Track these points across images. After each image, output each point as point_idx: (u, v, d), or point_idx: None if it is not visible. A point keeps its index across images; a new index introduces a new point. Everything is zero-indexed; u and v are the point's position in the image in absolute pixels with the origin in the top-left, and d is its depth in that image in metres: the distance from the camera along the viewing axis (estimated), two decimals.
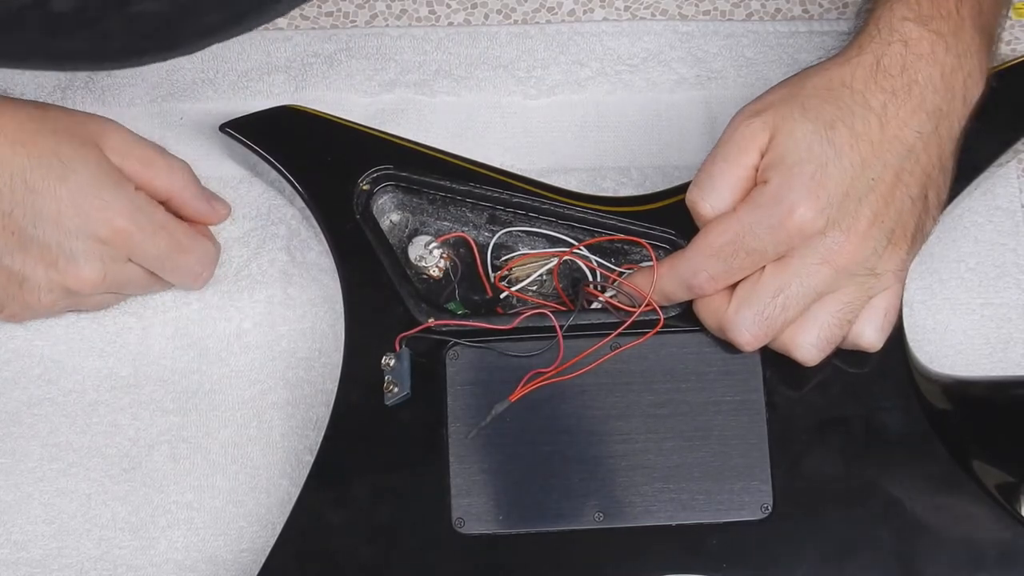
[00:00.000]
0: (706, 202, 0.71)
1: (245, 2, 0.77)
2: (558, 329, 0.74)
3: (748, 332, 0.71)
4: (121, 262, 0.76)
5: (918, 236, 0.71)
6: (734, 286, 0.71)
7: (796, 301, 0.70)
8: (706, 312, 0.72)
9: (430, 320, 0.75)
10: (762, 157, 0.70)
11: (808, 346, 0.71)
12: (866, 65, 0.70)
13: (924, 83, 0.70)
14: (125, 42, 0.76)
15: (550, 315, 0.74)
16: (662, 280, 0.73)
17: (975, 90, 0.72)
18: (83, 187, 0.74)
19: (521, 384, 0.73)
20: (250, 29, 0.82)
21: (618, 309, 0.74)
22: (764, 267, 0.70)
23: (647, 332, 0.74)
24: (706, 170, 0.71)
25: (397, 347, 0.74)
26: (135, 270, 0.77)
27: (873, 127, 0.69)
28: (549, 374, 0.73)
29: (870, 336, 0.72)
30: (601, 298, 0.75)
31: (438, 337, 0.74)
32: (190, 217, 0.79)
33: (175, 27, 0.75)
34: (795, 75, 0.72)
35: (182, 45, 0.79)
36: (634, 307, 0.74)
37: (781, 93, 0.71)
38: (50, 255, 0.74)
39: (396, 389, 0.73)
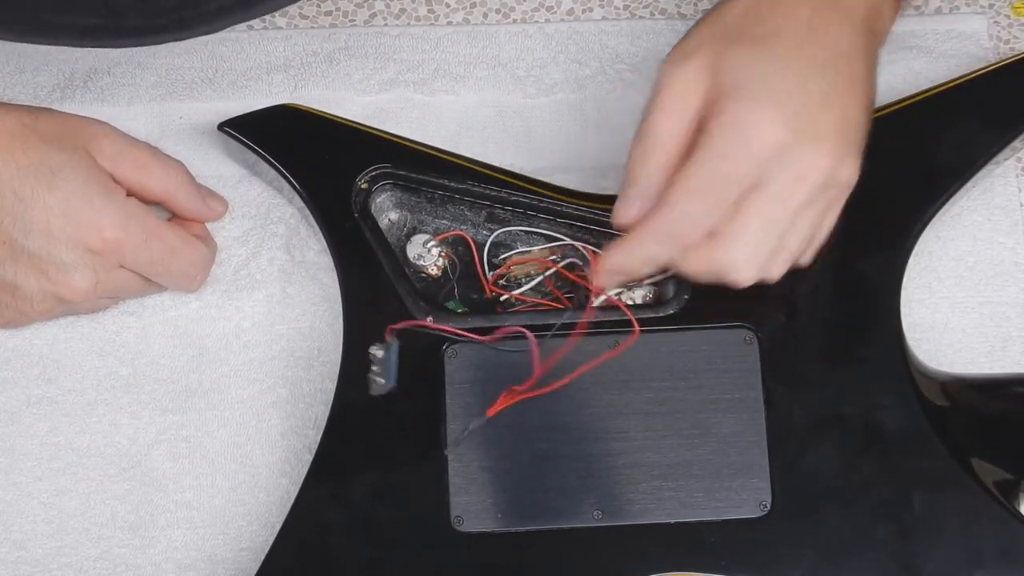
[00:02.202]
0: (653, 157, 0.68)
1: None
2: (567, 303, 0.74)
3: (746, 270, 0.69)
4: (113, 270, 0.75)
5: (862, 146, 0.70)
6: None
7: (781, 226, 0.68)
8: (695, 262, 0.69)
9: (428, 319, 0.75)
10: (705, 99, 0.68)
11: (778, 269, 0.70)
12: None
13: None
14: (139, 22, 0.75)
15: (552, 299, 0.74)
16: (644, 246, 0.69)
17: (889, 17, 0.72)
18: (73, 196, 0.73)
19: (500, 399, 0.73)
20: (268, 12, 0.81)
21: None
22: (740, 201, 0.68)
23: (646, 329, 0.74)
24: (649, 129, 0.69)
25: (387, 337, 0.74)
26: (128, 276, 0.76)
27: (805, 36, 0.68)
28: (524, 390, 0.73)
29: (809, 254, 0.72)
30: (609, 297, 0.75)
31: (435, 332, 0.74)
32: (186, 216, 0.79)
33: (188, 6, 0.75)
34: (712, 10, 0.71)
35: (196, 26, 0.79)
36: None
37: (704, 31, 0.70)
38: (41, 265, 0.74)
39: (381, 380, 0.73)
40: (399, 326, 0.74)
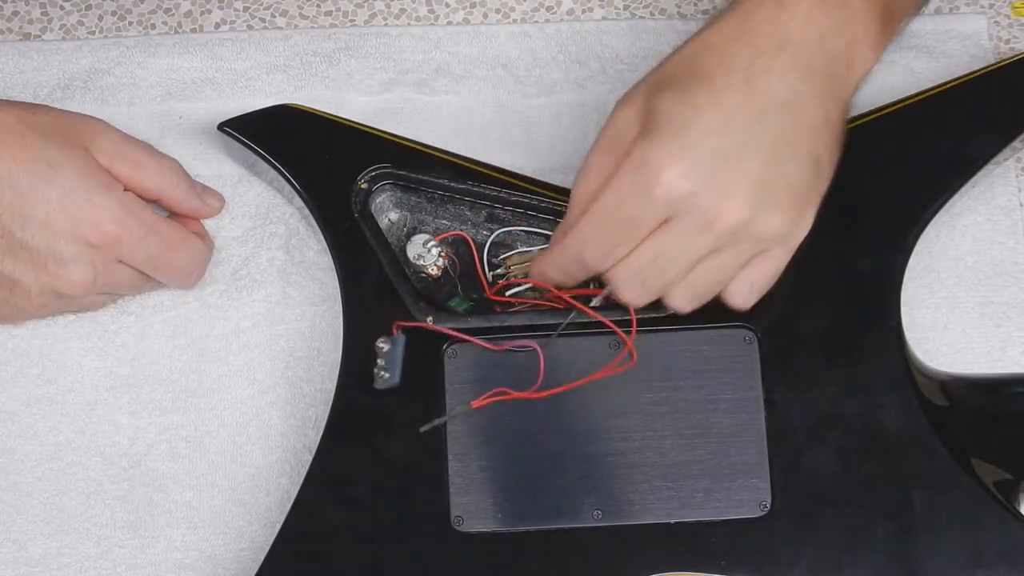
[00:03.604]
0: (582, 188, 0.70)
1: None
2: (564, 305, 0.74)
3: (629, 293, 0.71)
4: (111, 264, 0.76)
5: (811, 199, 0.70)
6: None
7: (674, 266, 0.70)
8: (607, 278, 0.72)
9: (428, 319, 0.75)
10: (635, 139, 0.69)
11: (678, 299, 0.72)
12: (732, 24, 0.69)
13: (798, 42, 0.68)
14: None
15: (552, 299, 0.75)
16: (557, 260, 0.72)
17: (862, 58, 0.70)
18: (71, 190, 0.74)
19: (488, 394, 0.73)
20: None
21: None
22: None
23: (648, 327, 0.74)
24: (587, 162, 0.71)
25: (394, 332, 0.74)
26: (126, 271, 0.77)
27: (736, 83, 0.67)
28: (512, 394, 0.73)
29: (737, 299, 0.72)
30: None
31: (435, 329, 0.74)
32: (182, 214, 0.79)
33: None
34: (670, 52, 0.71)
35: None
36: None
37: (652, 73, 0.70)
38: (39, 259, 0.74)
39: (386, 375, 0.73)
40: (408, 324, 0.74)
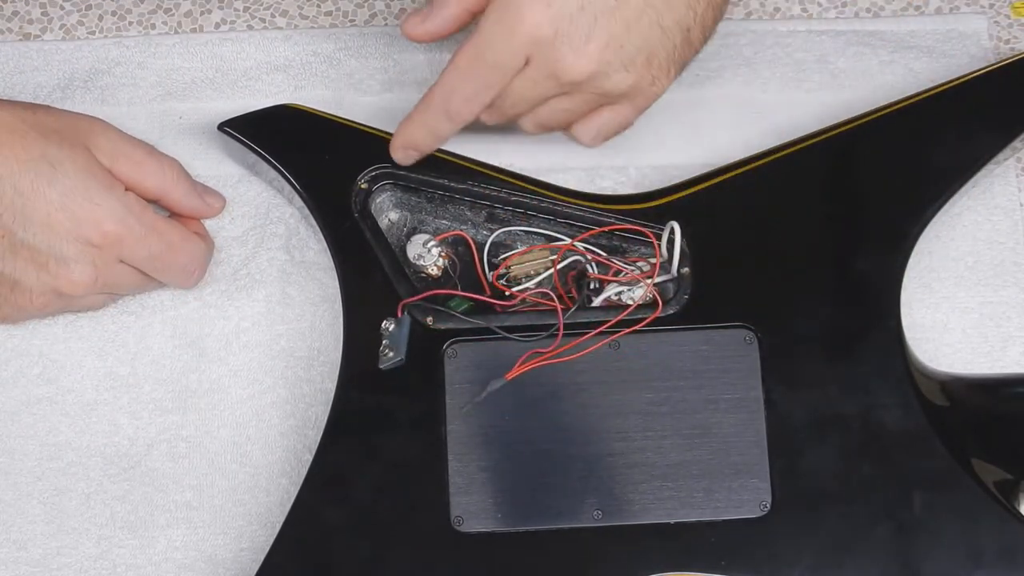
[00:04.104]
0: (426, 25, 0.74)
1: None
2: (559, 313, 0.74)
3: (486, 117, 0.75)
4: (112, 264, 0.76)
5: (669, 67, 0.73)
6: None
7: (524, 101, 0.74)
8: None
9: (428, 319, 0.75)
10: None
11: (526, 124, 0.76)
12: None
13: None
14: None
15: (553, 298, 0.75)
16: (425, 117, 0.75)
17: None
18: (72, 190, 0.74)
19: (518, 364, 0.73)
20: None
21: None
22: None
23: (646, 320, 0.74)
24: (436, 6, 0.74)
25: (399, 313, 0.74)
26: (127, 271, 0.77)
27: None
28: (548, 354, 0.73)
29: (583, 139, 0.77)
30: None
31: (437, 307, 0.75)
32: (183, 213, 0.79)
33: None
34: None
35: None
36: None
37: None
38: (40, 258, 0.74)
39: (391, 354, 0.73)
40: (413, 300, 0.75)
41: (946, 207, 0.77)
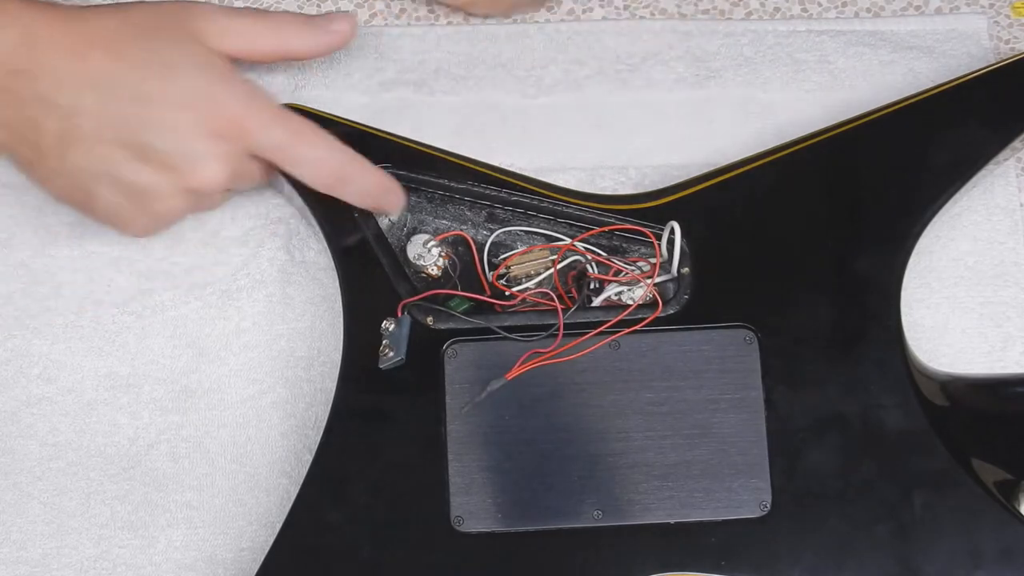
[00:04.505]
0: None
1: None
2: (559, 313, 0.74)
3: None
4: (241, 157, 0.74)
5: None
6: None
7: None
8: None
9: (428, 319, 0.75)
10: None
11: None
12: None
13: None
14: None
15: (553, 298, 0.75)
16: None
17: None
18: (192, 86, 0.72)
19: (518, 363, 0.73)
20: None
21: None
22: None
23: (646, 320, 0.74)
24: None
25: (399, 312, 0.74)
26: (255, 165, 0.75)
27: None
28: (548, 354, 0.73)
29: None
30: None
31: (437, 308, 0.75)
32: (317, 55, 0.79)
33: None
34: None
35: None
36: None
37: None
38: (171, 160, 0.73)
39: (391, 353, 0.73)
40: (413, 300, 0.75)
41: (946, 207, 0.77)
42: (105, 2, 0.76)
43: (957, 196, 0.77)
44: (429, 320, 0.75)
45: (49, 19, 0.72)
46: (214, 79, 0.73)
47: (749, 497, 0.73)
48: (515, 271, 0.77)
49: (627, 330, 0.74)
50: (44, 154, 0.73)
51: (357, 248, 0.76)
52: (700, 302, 0.75)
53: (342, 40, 0.79)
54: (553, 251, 0.77)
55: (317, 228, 0.78)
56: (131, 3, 0.75)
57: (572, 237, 0.78)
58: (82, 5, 0.74)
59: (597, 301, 0.76)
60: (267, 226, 0.82)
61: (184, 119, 0.72)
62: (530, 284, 0.77)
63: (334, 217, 0.77)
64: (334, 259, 0.77)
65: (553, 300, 0.76)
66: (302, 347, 0.80)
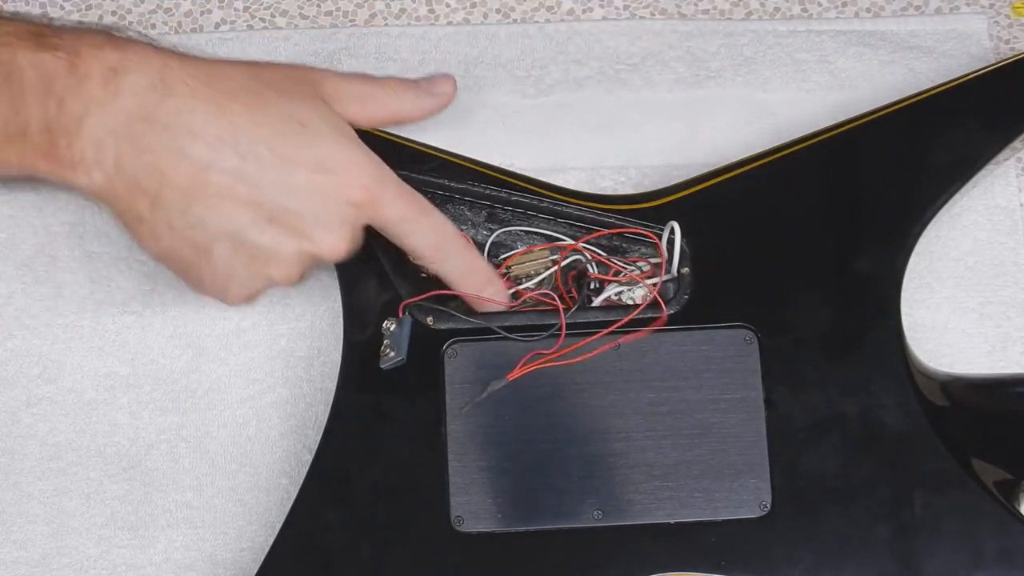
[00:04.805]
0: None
1: None
2: (561, 314, 0.74)
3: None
4: (360, 227, 0.71)
5: None
6: None
7: None
8: None
9: (428, 319, 0.75)
10: None
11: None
12: None
13: None
14: None
15: (554, 298, 0.75)
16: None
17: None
18: (330, 150, 0.69)
19: (520, 364, 0.73)
20: None
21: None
22: None
23: (648, 328, 0.74)
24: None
25: (400, 313, 0.74)
26: (361, 237, 0.73)
27: None
28: (549, 356, 0.73)
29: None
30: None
31: (437, 308, 0.75)
32: (423, 117, 0.77)
33: None
34: None
35: None
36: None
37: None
38: (302, 224, 0.69)
39: (392, 353, 0.73)
40: (414, 300, 0.74)
41: (946, 207, 0.77)
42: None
43: (957, 196, 0.77)
44: (429, 320, 0.75)
45: (185, 67, 0.68)
46: (347, 144, 0.70)
47: (749, 497, 0.73)
48: (515, 271, 0.77)
49: (631, 332, 0.74)
50: (162, 207, 0.68)
51: (357, 248, 0.76)
52: (700, 302, 0.75)
53: (446, 102, 0.78)
54: (553, 251, 0.77)
55: None
56: (258, 62, 0.73)
57: (572, 237, 0.78)
58: (212, 58, 0.71)
59: (597, 301, 0.76)
60: None
61: (322, 183, 0.69)
62: (530, 284, 0.77)
63: None
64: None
65: (554, 300, 0.76)
66: (302, 347, 0.80)
